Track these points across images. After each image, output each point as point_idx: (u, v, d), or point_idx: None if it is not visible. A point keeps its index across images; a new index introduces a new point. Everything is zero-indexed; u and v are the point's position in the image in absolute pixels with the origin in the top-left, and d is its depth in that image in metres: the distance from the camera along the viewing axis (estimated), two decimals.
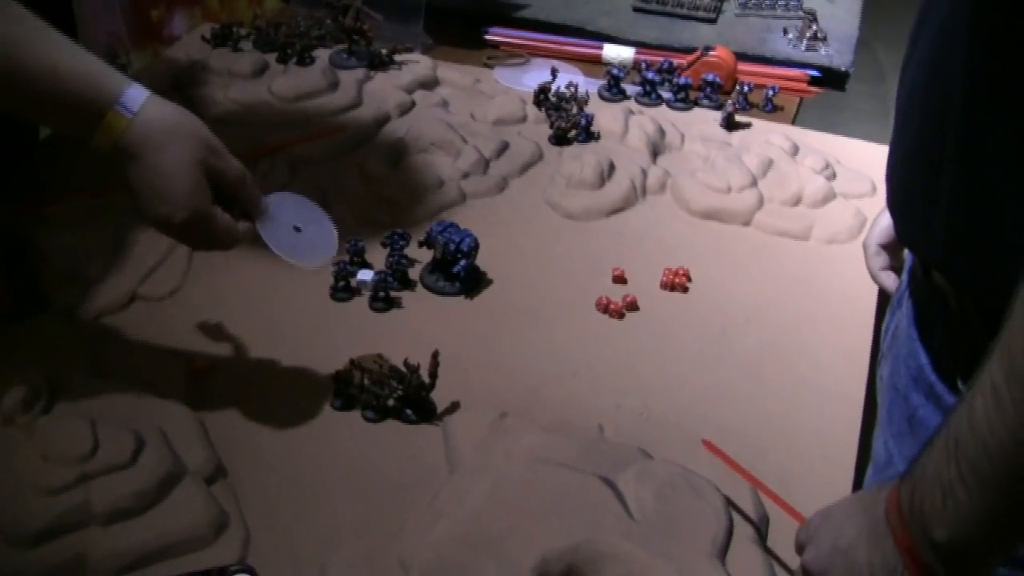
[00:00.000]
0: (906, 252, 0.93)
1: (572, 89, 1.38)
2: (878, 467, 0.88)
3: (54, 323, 0.99)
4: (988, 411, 0.49)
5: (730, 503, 0.82)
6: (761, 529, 0.82)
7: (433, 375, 0.90)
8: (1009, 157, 0.64)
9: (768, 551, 0.80)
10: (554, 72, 1.41)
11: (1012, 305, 0.51)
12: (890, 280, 0.96)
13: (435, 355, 0.90)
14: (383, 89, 1.42)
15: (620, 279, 1.10)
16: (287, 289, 1.07)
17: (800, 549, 0.70)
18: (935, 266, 0.77)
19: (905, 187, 0.77)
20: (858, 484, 0.86)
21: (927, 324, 0.81)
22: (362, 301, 1.06)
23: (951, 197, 0.69)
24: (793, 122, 1.46)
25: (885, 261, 0.97)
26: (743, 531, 0.80)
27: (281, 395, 0.94)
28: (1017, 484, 0.49)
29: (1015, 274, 0.52)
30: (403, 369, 0.90)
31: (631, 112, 1.39)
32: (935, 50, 0.69)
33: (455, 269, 1.06)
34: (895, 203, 0.80)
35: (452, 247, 1.05)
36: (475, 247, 1.06)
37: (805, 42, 1.58)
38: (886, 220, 0.95)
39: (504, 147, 1.31)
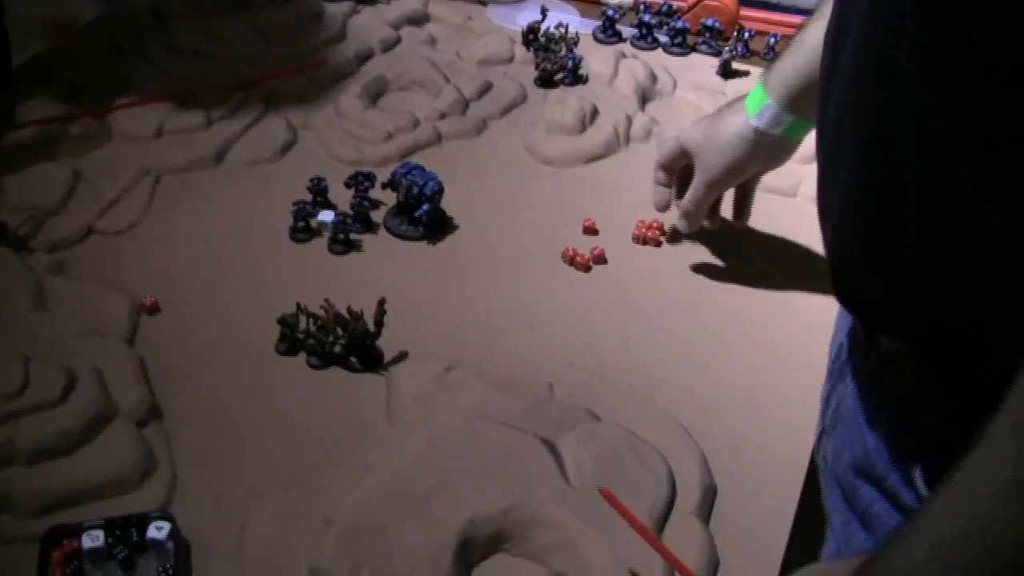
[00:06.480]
0: (837, 316, 0.81)
1: (562, 29, 1.32)
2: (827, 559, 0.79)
3: (3, 254, 0.97)
4: (997, 513, 0.37)
5: (678, 471, 0.79)
6: (706, 501, 0.79)
7: (379, 323, 0.87)
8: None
9: (708, 525, 0.77)
10: (544, 10, 1.35)
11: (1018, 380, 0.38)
12: (659, 195, 1.03)
13: (381, 303, 0.87)
14: (369, 24, 1.37)
15: (591, 230, 1.05)
16: (247, 228, 1.04)
17: None
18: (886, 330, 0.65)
19: (846, 230, 0.63)
20: (813, 460, 0.81)
21: (876, 403, 0.70)
22: (321, 243, 1.02)
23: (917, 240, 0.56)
24: None
25: (663, 178, 1.03)
26: (685, 502, 0.77)
27: (227, 337, 0.91)
28: None
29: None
30: (346, 316, 0.86)
31: (623, 56, 1.33)
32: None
33: (417, 213, 1.02)
34: (830, 249, 0.67)
35: (415, 190, 1.01)
36: (439, 191, 1.02)
37: None
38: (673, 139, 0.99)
39: (487, 88, 1.26)
